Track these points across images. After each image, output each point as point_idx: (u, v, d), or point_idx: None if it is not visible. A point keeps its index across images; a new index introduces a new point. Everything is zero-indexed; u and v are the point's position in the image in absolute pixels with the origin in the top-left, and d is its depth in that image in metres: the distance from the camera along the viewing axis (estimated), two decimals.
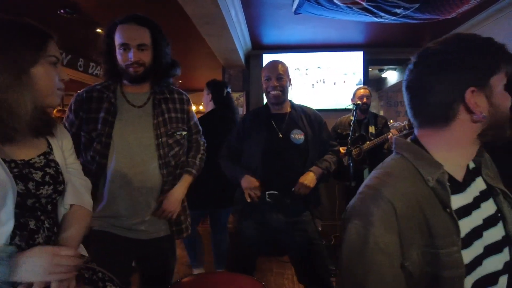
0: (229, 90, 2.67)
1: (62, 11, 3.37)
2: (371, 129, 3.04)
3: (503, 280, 0.73)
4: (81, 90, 1.41)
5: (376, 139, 2.92)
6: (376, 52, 4.54)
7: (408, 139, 0.81)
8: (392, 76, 6.04)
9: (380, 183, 0.72)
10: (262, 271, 2.87)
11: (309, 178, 1.72)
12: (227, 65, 4.68)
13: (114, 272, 1.00)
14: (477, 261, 0.71)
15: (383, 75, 6.24)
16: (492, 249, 0.73)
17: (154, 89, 1.44)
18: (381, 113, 6.69)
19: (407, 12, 2.35)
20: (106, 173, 1.34)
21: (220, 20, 2.89)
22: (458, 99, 0.70)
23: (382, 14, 2.44)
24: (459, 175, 0.75)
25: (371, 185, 0.73)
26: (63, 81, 0.92)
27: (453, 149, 0.74)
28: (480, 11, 3.27)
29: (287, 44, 4.40)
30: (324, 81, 4.54)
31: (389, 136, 2.83)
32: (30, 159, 0.87)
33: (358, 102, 2.84)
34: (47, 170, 0.89)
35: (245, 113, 4.50)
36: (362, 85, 3.76)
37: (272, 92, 1.78)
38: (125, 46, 1.32)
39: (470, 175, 0.78)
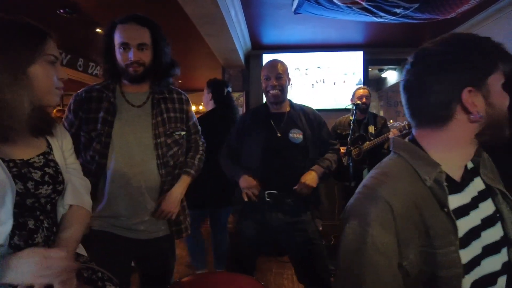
0: (230, 89, 2.67)
1: (61, 11, 3.37)
2: (371, 129, 3.04)
3: (502, 280, 0.73)
4: (80, 90, 1.41)
5: (376, 139, 2.92)
6: (376, 52, 4.54)
7: (406, 139, 0.81)
8: (392, 76, 6.03)
9: (377, 183, 0.72)
10: (262, 271, 2.88)
11: (311, 178, 1.72)
12: (227, 65, 4.67)
13: (114, 272, 1.00)
14: (475, 262, 0.71)
15: (383, 75, 6.24)
16: (490, 250, 0.73)
17: (153, 89, 1.44)
18: (381, 113, 6.68)
19: (407, 12, 2.35)
20: (105, 173, 1.34)
21: (219, 20, 2.89)
22: (455, 99, 0.70)
23: (381, 14, 2.44)
24: (457, 175, 0.75)
25: (368, 185, 0.74)
26: (62, 80, 0.92)
27: (450, 149, 0.74)
28: (479, 11, 3.27)
29: (287, 44, 4.40)
30: (324, 81, 4.54)
31: (390, 136, 2.83)
32: (29, 159, 0.87)
33: (358, 102, 2.84)
34: (47, 170, 0.89)
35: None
36: (361, 85, 3.76)
37: (271, 91, 1.78)
38: (125, 46, 1.32)
39: (468, 175, 0.77)
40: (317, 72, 4.54)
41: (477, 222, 0.73)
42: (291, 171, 1.75)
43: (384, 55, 4.61)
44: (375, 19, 2.58)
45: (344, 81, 4.50)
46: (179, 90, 1.56)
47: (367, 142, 2.98)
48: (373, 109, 6.12)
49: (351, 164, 2.50)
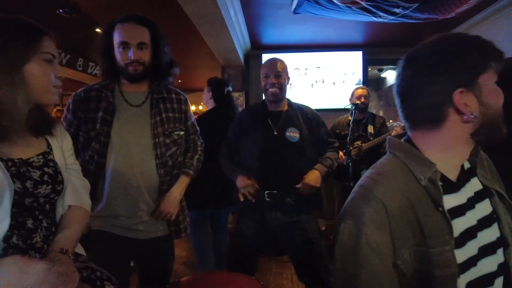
0: (230, 88, 2.66)
1: (61, 10, 3.37)
2: (370, 128, 3.04)
3: (499, 282, 0.73)
4: (79, 90, 1.41)
5: (375, 139, 2.93)
6: (375, 52, 4.54)
7: (402, 140, 0.81)
8: (391, 76, 6.04)
9: (372, 182, 0.73)
10: (262, 271, 2.88)
11: (314, 178, 1.72)
12: (227, 65, 4.67)
13: (113, 272, 1.00)
14: (471, 262, 0.70)
15: (383, 75, 6.25)
16: (486, 251, 0.73)
17: (152, 89, 1.44)
18: (381, 113, 6.69)
19: (406, 11, 2.35)
20: (104, 173, 1.34)
21: (219, 20, 2.89)
22: (447, 101, 0.70)
23: (381, 13, 2.44)
24: (452, 175, 0.75)
25: (363, 185, 0.74)
26: (60, 78, 0.91)
27: (446, 149, 0.74)
28: (479, 11, 3.28)
29: (287, 44, 4.40)
30: (324, 81, 4.54)
31: (392, 134, 2.83)
32: (28, 158, 0.87)
33: (357, 102, 2.84)
34: (46, 169, 0.89)
35: None
36: (360, 85, 3.76)
37: (270, 90, 1.78)
38: (125, 45, 1.32)
39: (465, 176, 0.77)
40: (316, 72, 4.54)
41: (473, 222, 0.73)
42: (288, 170, 1.75)
43: (383, 55, 4.61)
44: (374, 19, 2.58)
45: (343, 81, 4.50)
46: (178, 90, 1.56)
47: (367, 142, 2.98)
48: (372, 109, 6.13)
49: (350, 164, 2.50)
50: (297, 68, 4.52)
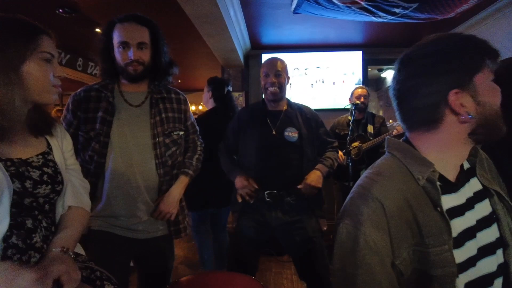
0: (230, 88, 2.66)
1: (61, 10, 3.37)
2: (370, 128, 3.04)
3: (498, 282, 0.73)
4: (79, 90, 1.40)
5: (375, 139, 2.93)
6: (375, 52, 4.55)
7: (401, 140, 0.81)
8: (391, 76, 6.05)
9: (370, 182, 0.73)
10: (261, 271, 2.87)
11: (316, 179, 1.72)
12: (226, 65, 4.67)
13: (112, 271, 1.00)
14: (470, 262, 0.70)
15: (382, 75, 6.25)
16: (486, 251, 0.73)
17: (152, 89, 1.44)
18: (381, 113, 6.69)
19: (406, 11, 2.35)
20: (104, 173, 1.34)
21: (219, 20, 2.89)
22: (442, 102, 0.70)
23: (381, 13, 2.44)
24: (451, 175, 0.75)
25: (362, 185, 0.74)
26: (59, 77, 0.90)
27: (444, 150, 0.74)
28: (479, 10, 3.28)
29: (286, 43, 4.40)
30: (323, 81, 4.55)
31: (394, 133, 2.83)
32: (28, 158, 0.87)
33: (357, 102, 2.84)
34: (45, 169, 0.89)
35: None
36: (360, 85, 3.76)
37: (270, 89, 1.78)
38: (125, 45, 1.32)
39: (464, 176, 0.77)
40: (316, 72, 4.54)
41: (472, 223, 0.73)
42: (288, 169, 1.75)
43: (383, 55, 4.61)
44: (374, 19, 2.58)
45: (343, 81, 4.51)
46: (177, 90, 1.56)
47: (366, 142, 2.98)
48: (372, 109, 6.13)
49: (350, 164, 2.50)
50: (297, 68, 4.52)
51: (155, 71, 1.42)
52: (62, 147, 1.00)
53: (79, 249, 1.04)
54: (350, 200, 0.74)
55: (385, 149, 0.82)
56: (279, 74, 1.78)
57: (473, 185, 0.77)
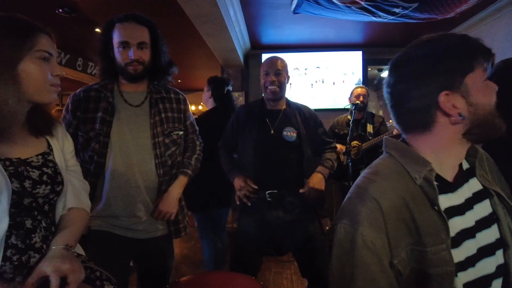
0: (230, 88, 2.65)
1: (60, 10, 3.37)
2: (369, 128, 3.04)
3: (497, 283, 0.73)
4: (78, 90, 1.40)
5: (374, 139, 2.93)
6: (375, 51, 4.55)
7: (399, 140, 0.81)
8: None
9: (367, 182, 0.73)
10: (261, 271, 2.85)
11: (319, 181, 1.72)
12: (226, 65, 4.67)
13: (112, 271, 1.00)
14: (469, 262, 0.70)
15: (382, 74, 6.24)
16: (485, 251, 0.72)
17: (151, 88, 1.44)
18: (380, 112, 6.69)
19: (406, 11, 2.35)
20: (104, 173, 1.34)
21: (219, 20, 2.89)
22: (433, 104, 0.70)
23: (381, 13, 2.44)
24: (449, 176, 0.75)
25: (359, 185, 0.74)
26: (58, 76, 0.89)
27: (439, 151, 0.74)
28: (478, 10, 3.28)
29: (286, 43, 4.41)
30: (323, 80, 4.55)
31: (394, 132, 2.83)
32: (27, 158, 0.86)
33: (357, 102, 2.84)
34: (45, 169, 0.89)
35: None
36: (360, 85, 3.77)
37: (270, 87, 1.77)
38: (125, 45, 1.32)
39: (463, 176, 0.77)
40: (316, 72, 4.54)
41: (471, 223, 0.73)
42: (287, 169, 1.75)
43: (383, 55, 4.61)
44: (374, 18, 2.58)
45: (343, 81, 4.51)
46: (177, 90, 1.56)
47: (366, 142, 2.98)
48: (372, 109, 6.12)
49: (350, 164, 2.50)
50: (297, 68, 4.52)
51: (154, 71, 1.42)
52: (63, 148, 1.00)
53: (79, 249, 1.04)
54: (348, 200, 0.74)
55: (383, 148, 0.82)
56: (279, 73, 1.77)
57: (473, 186, 0.77)
